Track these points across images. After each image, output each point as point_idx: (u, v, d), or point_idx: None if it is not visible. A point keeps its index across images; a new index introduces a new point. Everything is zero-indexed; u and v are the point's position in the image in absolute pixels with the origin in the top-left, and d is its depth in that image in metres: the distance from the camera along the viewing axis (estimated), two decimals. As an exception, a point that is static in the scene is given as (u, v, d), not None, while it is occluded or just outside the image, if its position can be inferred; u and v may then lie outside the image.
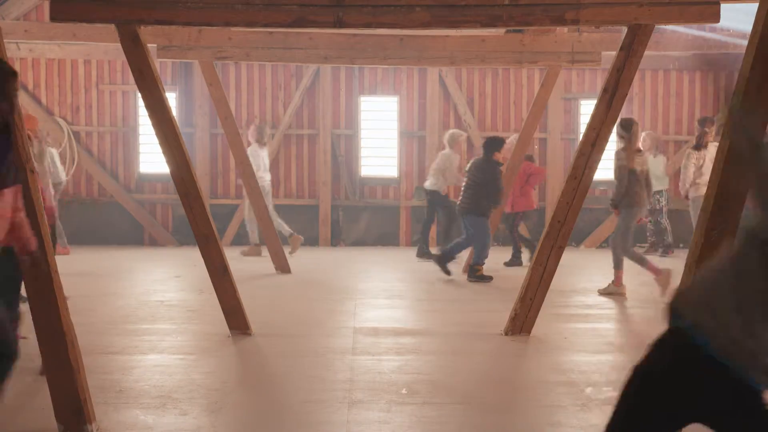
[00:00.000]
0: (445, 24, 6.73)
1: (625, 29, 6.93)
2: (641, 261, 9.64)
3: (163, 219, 15.00)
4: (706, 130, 10.58)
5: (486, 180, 10.79)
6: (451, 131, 12.91)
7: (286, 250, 12.12)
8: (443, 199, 12.65)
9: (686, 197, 10.50)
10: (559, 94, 14.87)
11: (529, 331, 7.52)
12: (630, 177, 9.56)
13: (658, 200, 13.61)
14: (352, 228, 15.16)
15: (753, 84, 4.51)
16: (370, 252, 14.17)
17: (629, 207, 9.57)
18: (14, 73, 3.98)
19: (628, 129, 9.71)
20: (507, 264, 12.17)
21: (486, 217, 10.91)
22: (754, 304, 2.62)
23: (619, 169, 9.63)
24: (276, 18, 6.64)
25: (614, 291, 9.78)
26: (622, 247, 9.64)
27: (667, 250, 13.75)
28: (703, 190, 10.12)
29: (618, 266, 9.73)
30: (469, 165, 11.30)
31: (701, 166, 10.30)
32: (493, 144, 10.97)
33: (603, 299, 9.68)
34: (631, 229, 9.73)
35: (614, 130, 9.98)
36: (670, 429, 2.74)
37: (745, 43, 4.72)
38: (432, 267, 11.49)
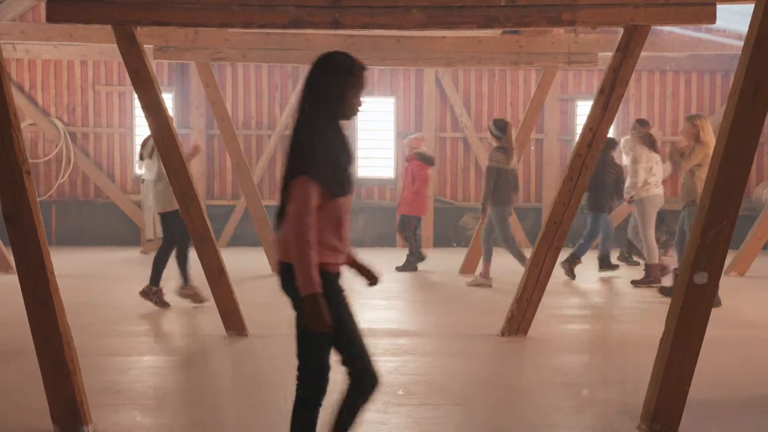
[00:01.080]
0: (441, 25, 6.73)
1: (621, 30, 6.93)
2: (488, 253, 10.33)
3: (159, 220, 14.99)
4: (650, 132, 10.64)
5: (602, 179, 10.74)
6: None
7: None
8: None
9: (630, 200, 10.50)
10: (556, 95, 14.88)
11: (525, 332, 7.52)
12: (499, 176, 10.07)
13: None
14: (348, 229, 15.14)
15: (749, 85, 4.51)
16: (366, 253, 14.15)
17: (497, 204, 10.08)
18: (365, 68, 3.78)
19: (503, 129, 10.17)
20: (399, 269, 11.88)
21: (604, 213, 10.92)
22: None
23: (489, 169, 10.15)
24: (273, 19, 6.64)
25: (482, 283, 10.28)
26: (504, 240, 10.26)
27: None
28: (654, 190, 10.26)
29: (487, 259, 10.31)
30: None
31: (651, 167, 10.35)
32: (608, 144, 10.92)
33: (599, 300, 9.69)
34: (507, 222, 10.33)
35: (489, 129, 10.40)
36: None
37: (741, 44, 4.73)
38: (431, 268, 11.49)
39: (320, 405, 3.83)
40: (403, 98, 15.16)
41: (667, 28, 11.00)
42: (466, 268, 11.61)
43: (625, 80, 6.97)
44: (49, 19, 6.55)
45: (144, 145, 9.18)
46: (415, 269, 11.80)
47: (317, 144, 3.59)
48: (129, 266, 12.57)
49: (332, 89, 3.69)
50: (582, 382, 6.05)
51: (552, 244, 7.36)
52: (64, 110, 14.98)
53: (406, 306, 9.37)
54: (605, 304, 9.54)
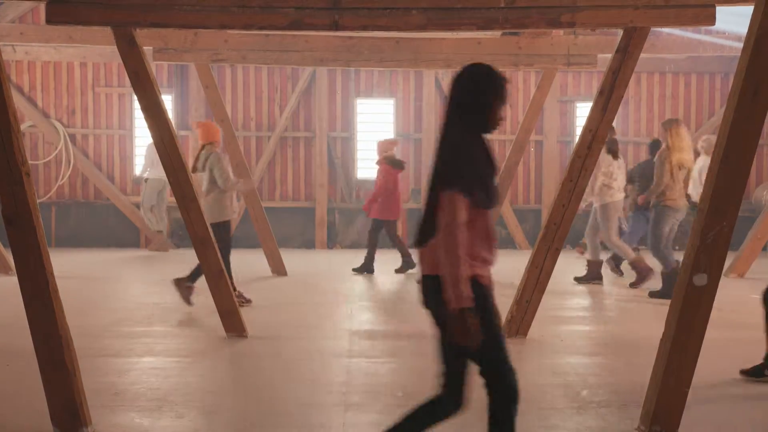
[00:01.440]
0: (441, 27, 6.73)
1: (620, 32, 6.94)
2: None
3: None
4: (615, 138, 10.74)
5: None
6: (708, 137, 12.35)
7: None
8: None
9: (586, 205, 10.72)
10: (555, 97, 14.89)
11: (525, 334, 7.52)
12: None
13: None
14: (348, 230, 15.17)
15: (749, 87, 4.51)
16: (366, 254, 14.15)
17: None
18: (508, 81, 3.80)
19: None
20: (398, 270, 11.81)
21: (647, 212, 10.79)
22: None
23: None
24: (272, 21, 6.64)
25: None
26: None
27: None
28: (618, 195, 10.47)
29: None
30: (634, 168, 11.34)
31: (612, 172, 10.46)
32: (656, 146, 10.94)
33: (601, 301, 9.68)
34: None
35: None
36: None
37: (741, 45, 4.73)
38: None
39: (517, 408, 3.82)
40: (403, 100, 15.16)
41: (666, 30, 11.01)
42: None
43: (625, 82, 6.98)
44: (49, 20, 6.55)
45: (197, 158, 9.09)
46: (413, 267, 11.76)
47: (466, 157, 3.61)
48: (128, 267, 12.58)
49: (481, 102, 3.69)
50: (582, 383, 6.05)
51: (551, 245, 7.36)
52: (64, 112, 14.98)
53: (406, 307, 9.37)
54: (605, 305, 9.54)
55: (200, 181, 8.94)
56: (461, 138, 3.65)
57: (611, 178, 10.41)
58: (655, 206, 9.63)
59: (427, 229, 3.65)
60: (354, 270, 11.72)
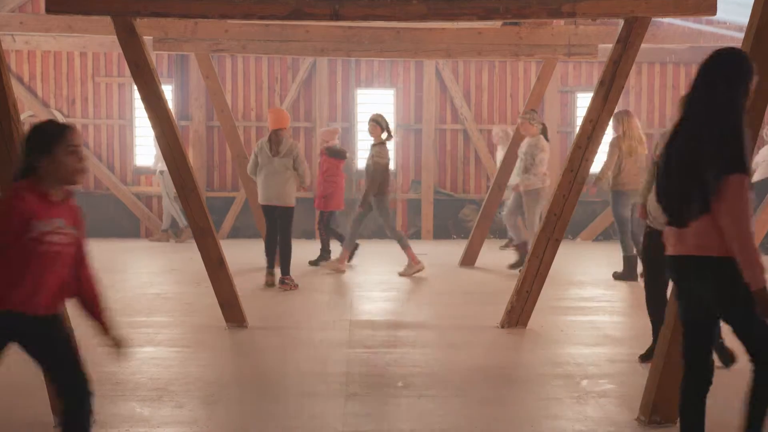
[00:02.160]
0: (441, 17, 6.72)
1: (621, 22, 6.92)
2: (403, 242, 10.58)
3: (159, 212, 14.98)
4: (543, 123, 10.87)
5: None
6: None
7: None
8: None
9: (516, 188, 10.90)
10: (556, 87, 14.87)
11: (525, 324, 7.53)
12: (385, 170, 10.46)
13: None
14: (347, 221, 15.14)
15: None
16: (365, 245, 14.15)
17: (382, 195, 10.48)
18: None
19: (386, 124, 10.62)
20: (312, 263, 11.52)
21: None
22: None
23: (375, 165, 10.41)
24: (272, 10, 6.63)
25: (416, 269, 10.50)
26: (390, 228, 10.64)
27: None
28: (547, 181, 10.67)
29: (405, 245, 10.53)
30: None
31: (546, 158, 10.68)
32: None
33: (599, 292, 9.69)
34: (389, 211, 10.72)
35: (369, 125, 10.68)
36: None
37: (742, 36, 4.72)
38: (430, 260, 11.51)
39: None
40: (403, 90, 15.14)
41: (667, 20, 10.98)
42: (466, 260, 11.61)
43: (626, 72, 6.97)
44: (49, 10, 6.54)
45: (279, 142, 9.53)
46: (327, 260, 11.46)
47: (744, 139, 3.79)
48: (129, 257, 12.58)
49: (745, 87, 3.94)
50: (581, 374, 6.06)
51: (552, 236, 7.36)
52: (64, 102, 14.97)
53: (405, 298, 9.38)
54: (604, 296, 9.53)
55: (280, 164, 9.50)
56: (739, 120, 3.84)
57: (546, 164, 10.68)
58: (610, 193, 9.98)
59: (688, 211, 3.83)
60: (310, 263, 11.64)
